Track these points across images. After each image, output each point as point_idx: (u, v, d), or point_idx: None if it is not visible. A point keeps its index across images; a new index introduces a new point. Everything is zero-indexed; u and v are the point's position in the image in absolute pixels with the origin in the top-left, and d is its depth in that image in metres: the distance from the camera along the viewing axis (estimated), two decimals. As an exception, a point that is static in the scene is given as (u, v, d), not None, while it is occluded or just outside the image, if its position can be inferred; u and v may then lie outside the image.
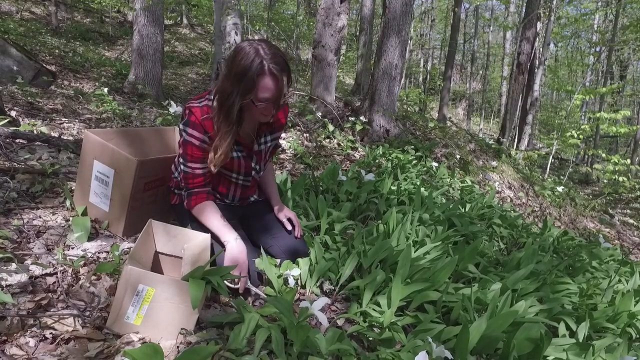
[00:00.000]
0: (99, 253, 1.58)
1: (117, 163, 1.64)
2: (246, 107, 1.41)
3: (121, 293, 1.18)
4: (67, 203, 1.84)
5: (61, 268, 1.42)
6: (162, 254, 1.53)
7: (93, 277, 1.41)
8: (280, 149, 4.04)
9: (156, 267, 1.52)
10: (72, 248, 1.57)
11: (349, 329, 1.39)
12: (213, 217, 1.51)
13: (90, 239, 1.63)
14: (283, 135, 4.41)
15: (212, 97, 1.46)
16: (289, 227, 1.72)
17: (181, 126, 1.46)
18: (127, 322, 1.20)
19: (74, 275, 1.41)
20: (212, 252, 1.49)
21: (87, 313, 1.25)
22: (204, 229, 1.55)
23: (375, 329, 1.44)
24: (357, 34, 10.83)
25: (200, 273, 1.23)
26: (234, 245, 1.46)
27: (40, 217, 1.74)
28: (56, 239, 1.60)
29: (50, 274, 1.38)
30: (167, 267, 1.55)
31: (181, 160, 1.51)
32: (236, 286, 1.47)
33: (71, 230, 1.63)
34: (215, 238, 1.52)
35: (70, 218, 1.72)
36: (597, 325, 1.75)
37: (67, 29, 9.89)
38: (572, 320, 1.67)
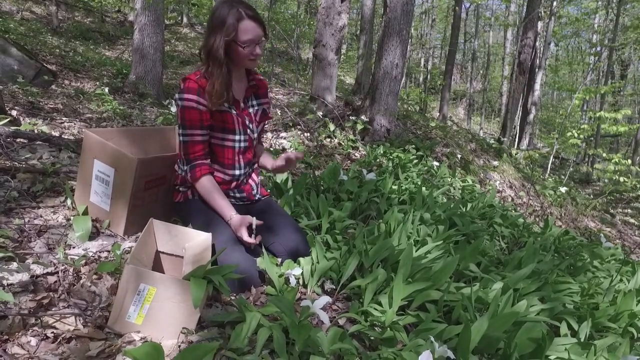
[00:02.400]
0: (100, 252, 1.58)
1: (117, 162, 1.64)
2: (234, 52, 1.57)
3: (122, 292, 1.18)
4: (68, 202, 1.84)
5: (62, 267, 1.42)
6: (163, 253, 1.53)
7: (94, 277, 1.40)
8: (281, 147, 4.04)
9: (157, 267, 1.52)
10: (73, 247, 1.57)
11: (351, 328, 1.39)
12: (217, 195, 1.63)
13: (91, 238, 1.63)
14: (283, 134, 4.42)
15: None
16: (291, 157, 1.79)
17: (177, 96, 1.58)
18: (128, 321, 1.20)
19: (75, 275, 1.41)
20: (213, 252, 1.49)
21: (89, 312, 1.25)
22: (205, 228, 1.56)
23: (376, 328, 1.44)
24: (358, 33, 10.81)
25: (201, 272, 1.23)
26: (237, 216, 1.60)
27: (41, 216, 1.74)
28: (57, 238, 1.60)
29: (51, 273, 1.38)
30: (168, 267, 1.55)
31: (180, 131, 1.61)
32: (252, 241, 1.58)
33: (72, 230, 1.63)
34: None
35: (71, 217, 1.71)
36: (599, 325, 1.75)
37: (68, 28, 9.88)
38: (574, 319, 1.67)
